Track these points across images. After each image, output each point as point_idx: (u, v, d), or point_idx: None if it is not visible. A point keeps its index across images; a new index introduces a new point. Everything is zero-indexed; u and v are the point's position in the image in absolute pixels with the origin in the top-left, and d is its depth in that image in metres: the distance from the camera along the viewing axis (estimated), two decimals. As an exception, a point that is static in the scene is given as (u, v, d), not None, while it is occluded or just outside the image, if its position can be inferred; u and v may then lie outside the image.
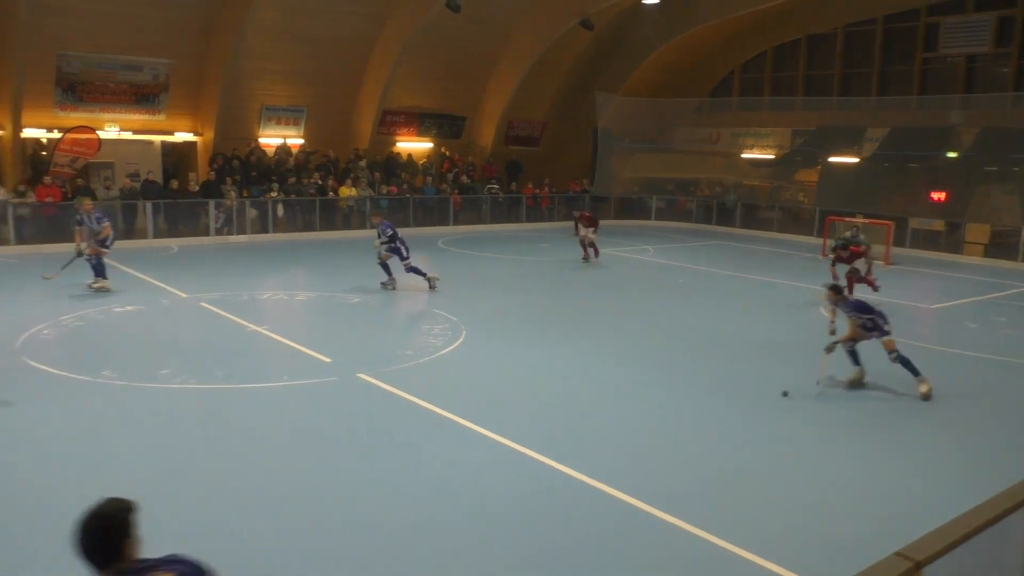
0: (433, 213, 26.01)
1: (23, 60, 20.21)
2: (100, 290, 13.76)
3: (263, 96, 24.78)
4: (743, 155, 29.58)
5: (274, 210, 22.62)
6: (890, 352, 9.37)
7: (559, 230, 25.27)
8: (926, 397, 9.25)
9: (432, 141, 28.96)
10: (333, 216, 23.67)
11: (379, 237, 14.94)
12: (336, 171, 25.14)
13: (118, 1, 20.55)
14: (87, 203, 14.70)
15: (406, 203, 25.31)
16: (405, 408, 8.53)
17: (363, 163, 25.78)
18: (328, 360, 10.19)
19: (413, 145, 28.56)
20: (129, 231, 20.66)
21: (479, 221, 26.59)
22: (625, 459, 7.37)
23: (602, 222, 27.90)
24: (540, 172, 29.49)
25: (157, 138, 24.12)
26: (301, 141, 26.02)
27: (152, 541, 5.55)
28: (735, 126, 29.68)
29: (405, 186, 25.92)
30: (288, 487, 6.57)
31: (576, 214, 20.24)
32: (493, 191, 27.76)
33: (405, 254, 14.86)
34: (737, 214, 27.90)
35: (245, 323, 12.15)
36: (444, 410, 8.36)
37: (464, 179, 27.50)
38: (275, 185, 23.13)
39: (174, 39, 22.25)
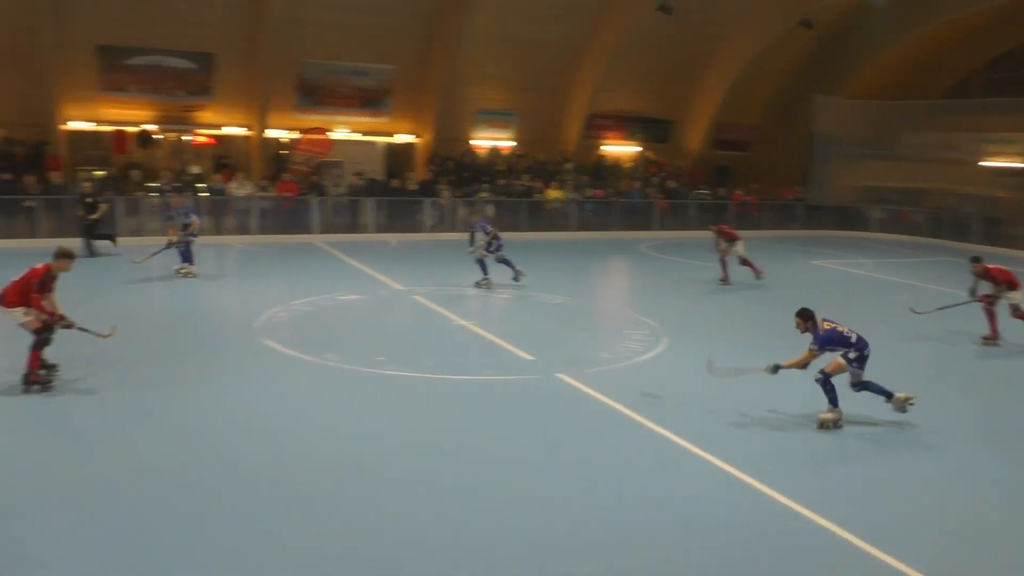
0: (638, 217, 25.84)
1: (270, 68, 22.51)
2: (186, 275, 14.99)
3: (477, 100, 25.81)
4: (983, 163, 26.71)
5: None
6: (854, 384, 8.30)
7: (768, 239, 24.18)
8: (902, 409, 8.27)
9: (638, 145, 28.76)
10: (539, 217, 24.17)
11: (473, 241, 15.06)
12: (544, 173, 25.68)
13: (350, 11, 22.29)
14: (175, 199, 16.27)
15: (611, 206, 25.35)
16: (603, 411, 8.51)
17: (569, 166, 26.13)
18: (531, 358, 10.40)
19: (618, 149, 28.52)
20: (353, 225, 22.41)
21: (684, 227, 26.00)
22: (823, 484, 6.92)
23: (818, 232, 26.62)
24: (749, 177, 28.38)
25: (380, 139, 25.89)
26: (511, 144, 26.81)
27: (367, 510, 5.95)
28: (975, 130, 26.81)
29: (611, 189, 25.97)
30: (490, 475, 6.79)
31: (714, 228, 17.15)
32: (702, 197, 27.08)
33: (495, 248, 14.99)
34: (975, 229, 25.24)
35: (453, 317, 12.72)
36: (641, 416, 8.25)
37: (670, 184, 27.07)
38: (485, 185, 24.02)
39: (397, 46, 23.75)
